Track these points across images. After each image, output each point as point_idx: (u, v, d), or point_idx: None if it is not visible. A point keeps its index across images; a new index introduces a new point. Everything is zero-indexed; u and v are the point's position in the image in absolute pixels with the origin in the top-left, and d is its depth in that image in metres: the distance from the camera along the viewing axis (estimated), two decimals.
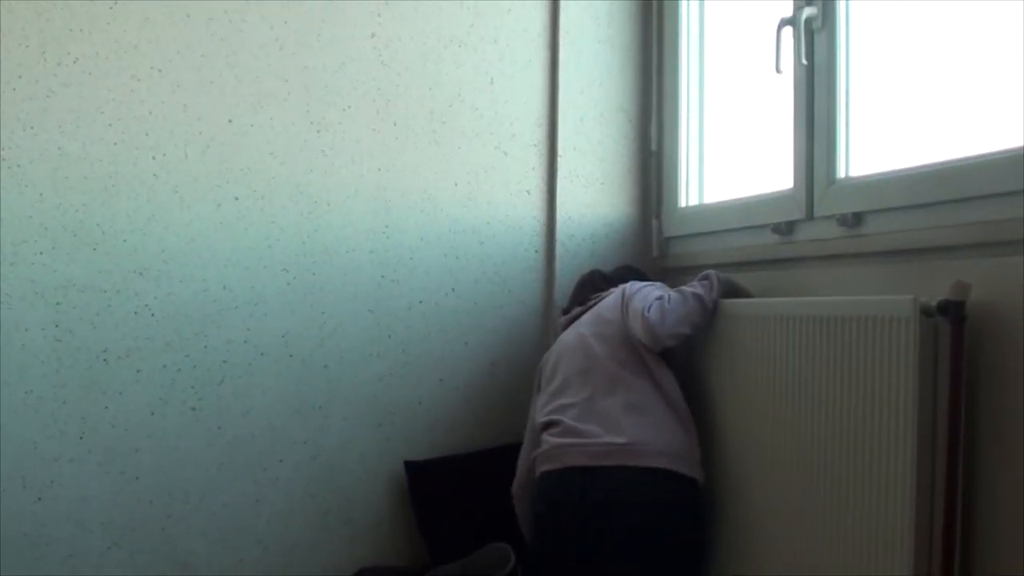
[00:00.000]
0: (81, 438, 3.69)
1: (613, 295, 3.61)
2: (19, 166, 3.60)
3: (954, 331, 2.50)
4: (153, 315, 3.74)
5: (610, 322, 3.51)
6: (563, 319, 3.79)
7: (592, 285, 3.82)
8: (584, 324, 3.61)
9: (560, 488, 3.29)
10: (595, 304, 3.67)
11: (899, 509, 2.55)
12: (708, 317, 3.37)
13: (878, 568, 2.62)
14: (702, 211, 3.93)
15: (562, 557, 3.29)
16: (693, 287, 3.40)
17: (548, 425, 3.44)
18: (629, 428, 3.26)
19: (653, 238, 4.15)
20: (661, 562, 3.19)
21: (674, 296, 3.40)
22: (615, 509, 3.18)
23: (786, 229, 3.34)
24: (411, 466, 3.93)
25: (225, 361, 3.81)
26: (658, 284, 3.58)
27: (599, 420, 3.32)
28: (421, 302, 3.98)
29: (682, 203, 4.05)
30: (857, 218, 3.02)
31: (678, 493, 3.23)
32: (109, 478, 3.72)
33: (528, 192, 4.07)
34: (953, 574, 2.53)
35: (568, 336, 3.65)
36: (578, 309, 3.74)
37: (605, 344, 3.48)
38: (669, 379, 3.39)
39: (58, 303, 3.65)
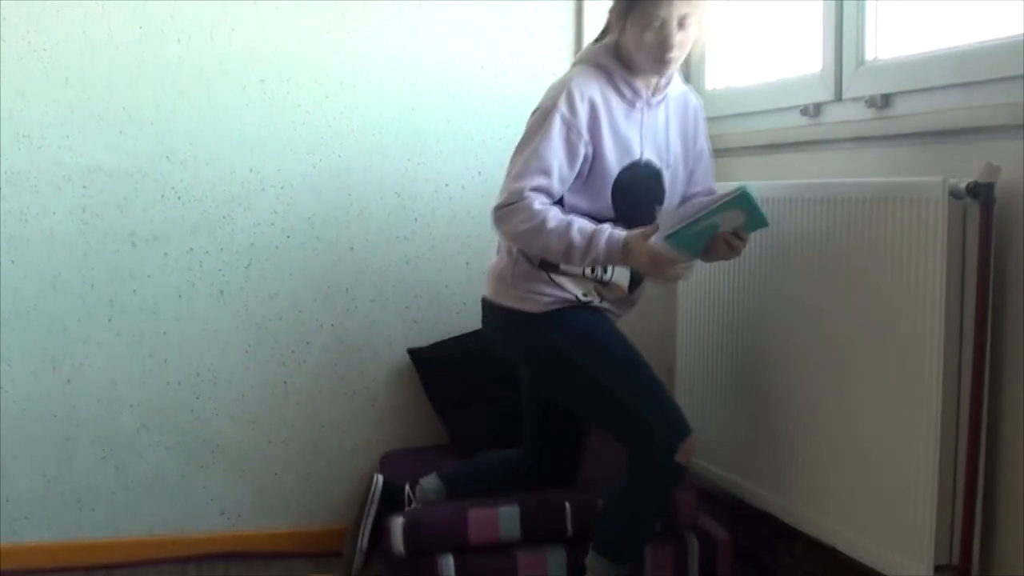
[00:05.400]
0: (110, 321, 3.72)
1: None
2: (44, 50, 3.59)
3: (983, 213, 2.49)
4: (180, 198, 3.74)
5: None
6: None
7: None
8: None
9: None
10: None
11: (925, 391, 2.56)
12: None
13: (902, 463, 2.64)
14: (729, 93, 3.90)
15: None
16: (583, 233, 2.92)
17: None
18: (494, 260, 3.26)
19: None
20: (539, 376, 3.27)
21: (551, 221, 2.92)
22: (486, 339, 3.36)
23: (814, 111, 3.31)
24: (415, 353, 3.96)
25: (252, 244, 3.82)
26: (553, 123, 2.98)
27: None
28: (447, 185, 3.97)
29: (709, 85, 4.01)
30: (886, 99, 2.99)
31: (508, 320, 3.17)
32: (138, 360, 3.76)
33: (555, 74, 4.00)
34: (979, 455, 2.55)
35: None
36: None
37: None
38: None
39: (85, 187, 3.66)
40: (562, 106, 2.96)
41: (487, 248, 3.86)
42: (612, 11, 3.05)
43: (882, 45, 3.10)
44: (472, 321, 3.96)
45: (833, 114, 3.24)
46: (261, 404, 3.88)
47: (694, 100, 3.25)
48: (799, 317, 3.07)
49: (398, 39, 3.89)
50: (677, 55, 2.94)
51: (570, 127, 2.96)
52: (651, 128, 3.08)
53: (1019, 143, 2.48)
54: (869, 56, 3.11)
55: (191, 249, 3.77)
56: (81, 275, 3.69)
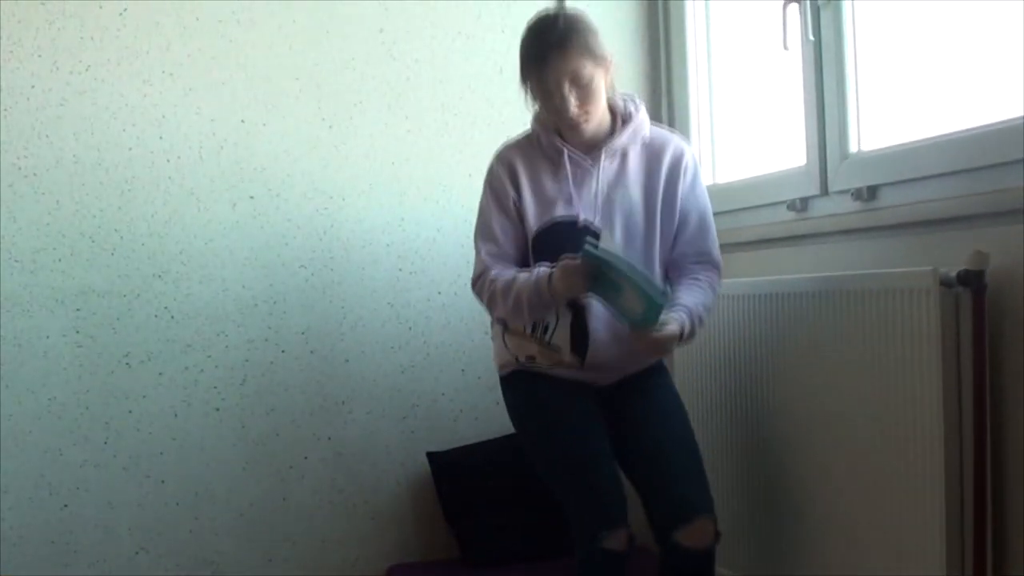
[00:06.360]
0: (105, 443, 3.70)
1: None
2: (35, 174, 3.62)
3: (975, 300, 2.50)
4: (173, 317, 3.75)
5: None
6: None
7: None
8: None
9: None
10: None
11: (929, 482, 2.54)
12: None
13: (904, 557, 2.62)
14: (716, 191, 3.89)
15: None
16: (525, 281, 2.94)
17: None
18: None
19: None
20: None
21: (500, 282, 2.99)
22: None
23: (801, 205, 3.33)
24: (434, 457, 3.93)
25: (247, 360, 3.82)
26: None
27: None
28: (440, 293, 3.99)
29: None
30: (872, 192, 3.01)
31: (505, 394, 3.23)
32: (135, 482, 3.74)
33: None
34: (986, 549, 2.54)
35: None
36: None
37: None
38: None
39: (78, 309, 3.66)
40: (488, 177, 3.13)
41: (482, 354, 3.88)
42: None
43: (865, 138, 3.13)
44: (469, 428, 3.96)
45: (820, 208, 3.26)
46: (260, 521, 3.85)
47: (685, 154, 3.12)
48: (795, 414, 3.07)
49: (385, 152, 3.93)
50: (583, 111, 2.93)
51: (496, 189, 3.09)
52: (588, 184, 3.01)
53: (1005, 229, 2.50)
54: (853, 149, 3.14)
55: (186, 368, 3.77)
56: (76, 397, 3.68)
